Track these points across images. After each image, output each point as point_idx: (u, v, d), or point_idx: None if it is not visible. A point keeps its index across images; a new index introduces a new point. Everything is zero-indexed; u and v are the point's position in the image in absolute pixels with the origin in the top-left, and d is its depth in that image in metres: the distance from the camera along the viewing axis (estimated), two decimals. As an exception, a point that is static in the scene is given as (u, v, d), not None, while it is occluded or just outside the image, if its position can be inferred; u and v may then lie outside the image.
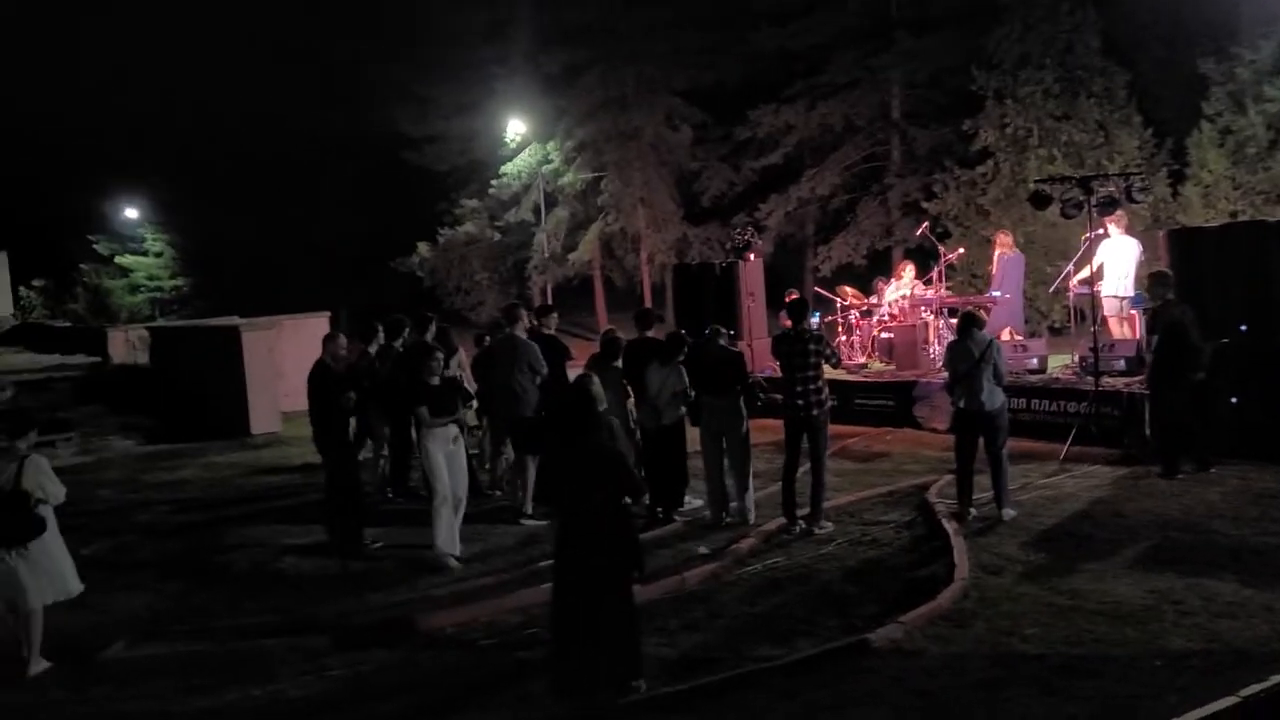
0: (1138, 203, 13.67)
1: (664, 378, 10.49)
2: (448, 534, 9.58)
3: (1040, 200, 13.62)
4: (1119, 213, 13.83)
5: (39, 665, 7.61)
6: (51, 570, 7.71)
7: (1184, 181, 24.34)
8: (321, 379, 10.37)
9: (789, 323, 10.26)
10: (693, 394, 10.50)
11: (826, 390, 10.09)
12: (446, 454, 9.64)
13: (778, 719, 6.07)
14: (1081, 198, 12.81)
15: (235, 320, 20.36)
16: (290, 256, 39.34)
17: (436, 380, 9.80)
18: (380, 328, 12.15)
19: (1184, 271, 11.91)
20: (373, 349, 11.95)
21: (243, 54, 40.08)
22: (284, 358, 18.53)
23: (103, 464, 16.50)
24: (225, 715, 6.69)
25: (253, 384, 18.33)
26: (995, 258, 16.49)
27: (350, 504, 10.26)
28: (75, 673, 7.50)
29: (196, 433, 18.19)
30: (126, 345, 23.63)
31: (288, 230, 39.64)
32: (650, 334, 11.17)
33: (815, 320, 15.64)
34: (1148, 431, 11.75)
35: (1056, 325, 24.18)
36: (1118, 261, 14.17)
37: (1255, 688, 5.77)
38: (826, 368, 10.24)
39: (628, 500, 6.71)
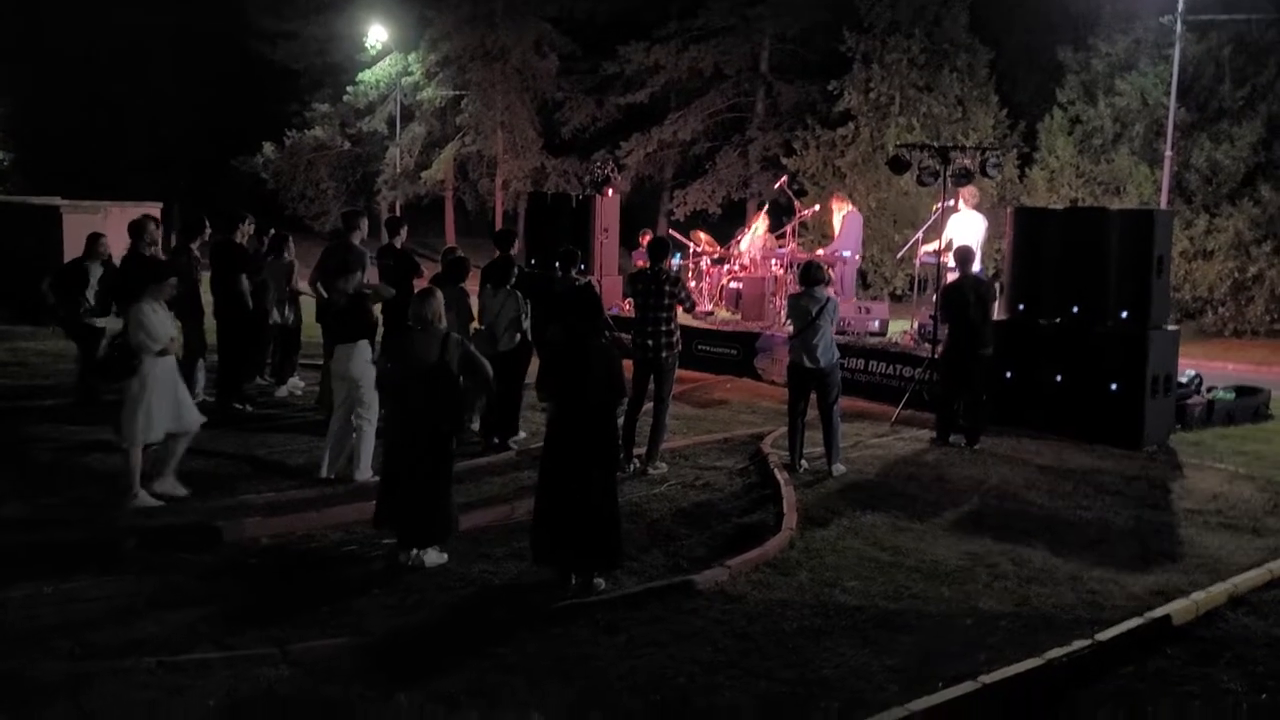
0: (990, 178, 14.00)
1: (500, 303, 10.25)
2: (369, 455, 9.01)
3: (899, 165, 13.80)
4: (971, 189, 14.13)
5: (139, 498, 8.16)
6: (149, 413, 8.12)
7: (1031, 165, 25.16)
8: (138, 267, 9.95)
9: (644, 262, 10.11)
10: (528, 322, 10.30)
11: (678, 334, 10.01)
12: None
13: (600, 652, 6.00)
14: (938, 167, 13.02)
15: (57, 201, 19.16)
16: (124, 142, 37.14)
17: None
18: (206, 222, 11.65)
19: (1025, 249, 12.28)
20: (196, 245, 11.44)
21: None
22: (109, 245, 17.49)
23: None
24: (10, 609, 6.25)
25: (72, 269, 17.27)
26: (841, 218, 16.50)
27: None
28: None
29: (4, 316, 17.16)
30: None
31: (121, 114, 37.40)
32: (512, 254, 10.89)
33: (676, 263, 15.55)
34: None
35: (898, 292, 24.80)
36: (964, 236, 14.48)
37: (1058, 651, 5.97)
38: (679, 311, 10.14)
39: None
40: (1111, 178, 24.00)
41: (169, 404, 8.32)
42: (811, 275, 10.17)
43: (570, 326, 7.04)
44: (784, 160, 28.33)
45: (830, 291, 10.67)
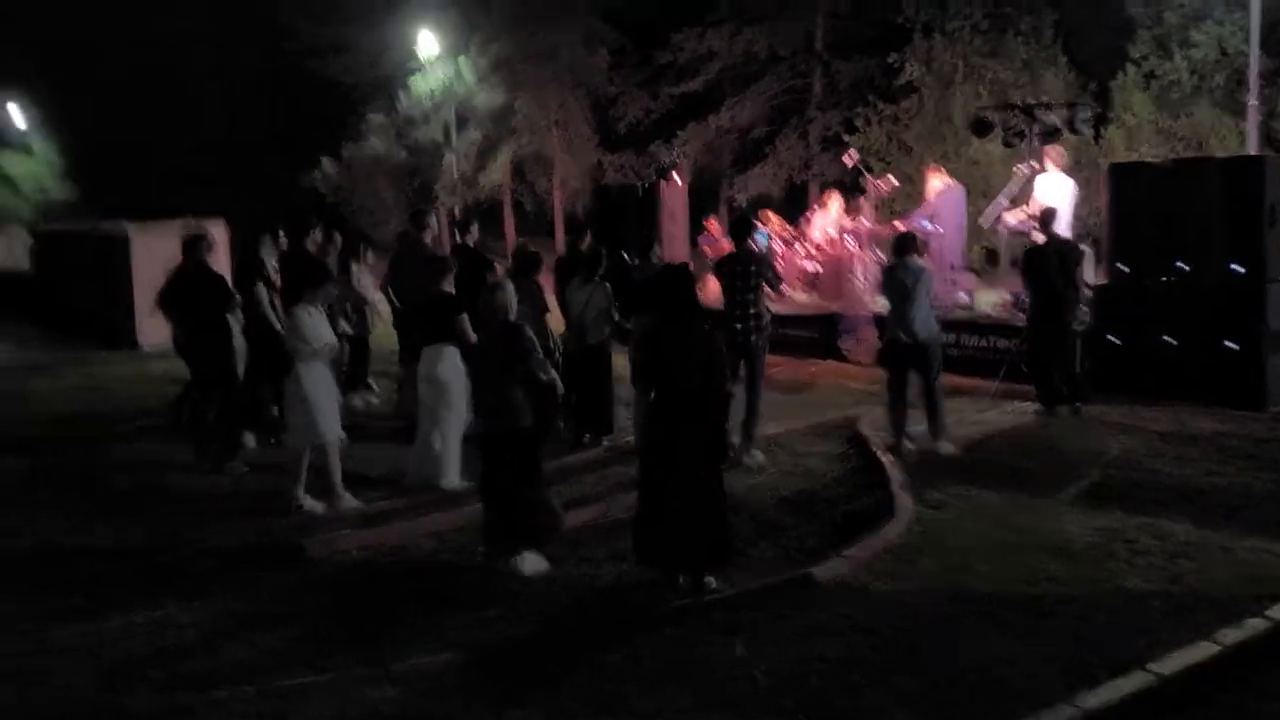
0: (1079, 134, 13.31)
1: (587, 295, 9.88)
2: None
3: (982, 128, 13.20)
4: (1058, 148, 13.41)
5: (303, 499, 8.21)
6: (304, 418, 8.12)
7: (1106, 124, 24.23)
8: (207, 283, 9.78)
9: (709, 248, 9.67)
10: (618, 314, 9.94)
11: (767, 316, 9.53)
12: None
13: (720, 655, 5.58)
14: (1024, 126, 12.41)
15: (125, 225, 19.18)
16: (188, 163, 37.51)
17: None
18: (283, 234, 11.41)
19: (1124, 208, 11.64)
20: (274, 258, 11.20)
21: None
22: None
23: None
24: (104, 640, 5.98)
25: (142, 292, 17.11)
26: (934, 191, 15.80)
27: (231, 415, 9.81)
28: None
29: (81, 343, 17.22)
30: (6, 250, 22.28)
31: (185, 137, 37.79)
32: (584, 247, 10.54)
33: (763, 242, 14.98)
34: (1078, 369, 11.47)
35: (974, 266, 24.03)
36: (1053, 199, 13.80)
37: (1234, 634, 5.43)
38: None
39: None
40: (1192, 132, 23.01)
41: (330, 405, 8.26)
42: (904, 245, 9.65)
43: (666, 311, 6.57)
44: (846, 138, 27.60)
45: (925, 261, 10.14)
